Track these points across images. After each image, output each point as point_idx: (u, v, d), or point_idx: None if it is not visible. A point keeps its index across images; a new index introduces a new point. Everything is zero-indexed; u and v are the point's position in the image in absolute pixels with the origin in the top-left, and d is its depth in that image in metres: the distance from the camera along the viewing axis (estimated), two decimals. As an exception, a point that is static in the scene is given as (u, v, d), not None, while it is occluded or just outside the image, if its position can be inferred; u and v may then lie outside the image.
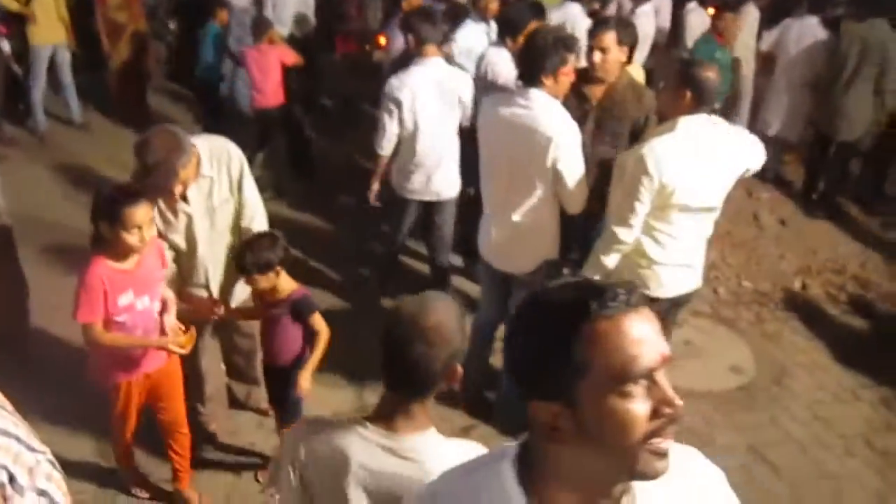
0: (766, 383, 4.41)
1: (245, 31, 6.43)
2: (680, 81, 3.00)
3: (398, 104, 4.11)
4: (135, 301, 2.79)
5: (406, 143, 4.23)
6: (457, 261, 5.12)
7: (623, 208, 3.07)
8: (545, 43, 3.22)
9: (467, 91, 4.24)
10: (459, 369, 1.65)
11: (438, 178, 4.33)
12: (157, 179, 2.81)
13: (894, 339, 4.95)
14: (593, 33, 3.73)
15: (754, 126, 7.08)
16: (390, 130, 4.17)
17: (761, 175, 7.06)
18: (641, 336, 0.97)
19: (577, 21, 5.51)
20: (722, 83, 6.18)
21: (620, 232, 3.09)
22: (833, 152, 6.58)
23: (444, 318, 1.60)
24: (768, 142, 7.03)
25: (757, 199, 6.73)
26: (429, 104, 4.14)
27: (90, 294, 2.69)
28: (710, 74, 2.98)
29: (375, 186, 4.44)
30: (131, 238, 2.66)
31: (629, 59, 4.51)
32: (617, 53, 3.67)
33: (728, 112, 6.80)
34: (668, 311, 3.36)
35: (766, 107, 6.87)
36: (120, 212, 2.62)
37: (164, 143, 2.79)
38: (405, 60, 5.85)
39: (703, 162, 2.99)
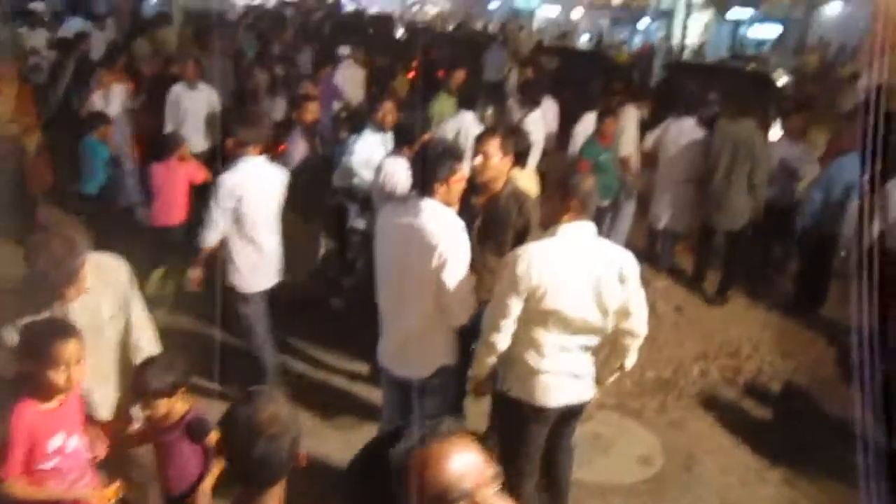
0: (675, 472, 4.48)
1: (126, 142, 6.36)
2: (559, 190, 3.09)
3: (225, 199, 4.28)
4: (66, 443, 2.58)
5: (232, 238, 4.41)
6: (362, 368, 5.09)
7: (495, 312, 3.08)
8: (435, 153, 3.34)
9: (283, 184, 4.54)
10: (303, 454, 1.76)
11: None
12: (47, 284, 2.67)
13: (791, 418, 5.15)
14: (479, 140, 3.89)
15: (645, 220, 7.50)
16: (215, 224, 4.32)
17: (656, 265, 7.45)
18: (457, 463, 1.06)
19: (471, 129, 5.75)
20: (609, 182, 6.63)
21: (492, 336, 3.10)
22: (720, 242, 7.01)
23: (277, 409, 1.71)
24: (658, 234, 7.49)
25: (654, 288, 7.00)
26: (255, 200, 4.35)
27: (14, 448, 2.45)
28: (589, 183, 3.08)
29: (196, 274, 4.53)
30: (59, 377, 2.46)
31: (522, 165, 4.74)
32: (499, 160, 3.81)
33: (616, 208, 7.17)
34: (559, 422, 3.33)
35: (654, 202, 7.26)
36: (48, 348, 2.43)
37: (59, 245, 2.66)
38: (306, 166, 5.98)
39: (577, 269, 3.00)
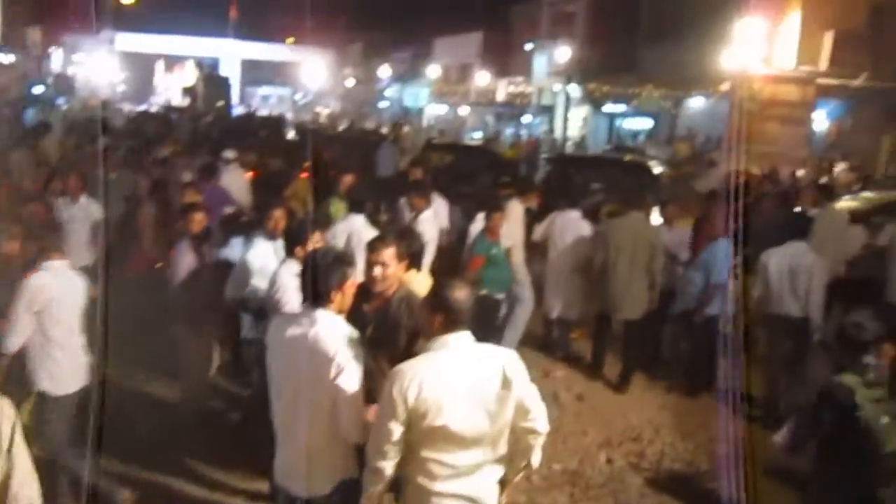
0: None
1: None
2: (431, 303, 3.03)
3: (29, 303, 4.31)
4: None
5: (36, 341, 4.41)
6: (262, 486, 4.83)
7: (377, 437, 2.95)
8: (326, 261, 3.32)
9: (84, 289, 4.59)
10: None
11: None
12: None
13: (695, 499, 5.22)
14: (372, 248, 3.88)
15: (539, 309, 7.67)
16: (20, 328, 4.32)
17: (554, 353, 7.58)
18: None
19: (362, 233, 5.78)
20: (503, 275, 6.77)
21: (377, 461, 2.95)
22: (617, 328, 7.20)
23: None
24: (554, 323, 7.65)
25: (553, 378, 7.10)
26: (59, 303, 4.41)
27: None
28: (460, 294, 2.98)
29: None
30: None
31: (416, 266, 4.77)
32: (394, 267, 3.83)
33: (512, 299, 7.29)
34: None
35: (546, 292, 7.45)
36: None
37: None
38: (196, 277, 5.81)
39: (458, 381, 2.89)
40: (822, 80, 20.73)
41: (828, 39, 21.36)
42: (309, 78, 47.82)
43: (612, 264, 6.72)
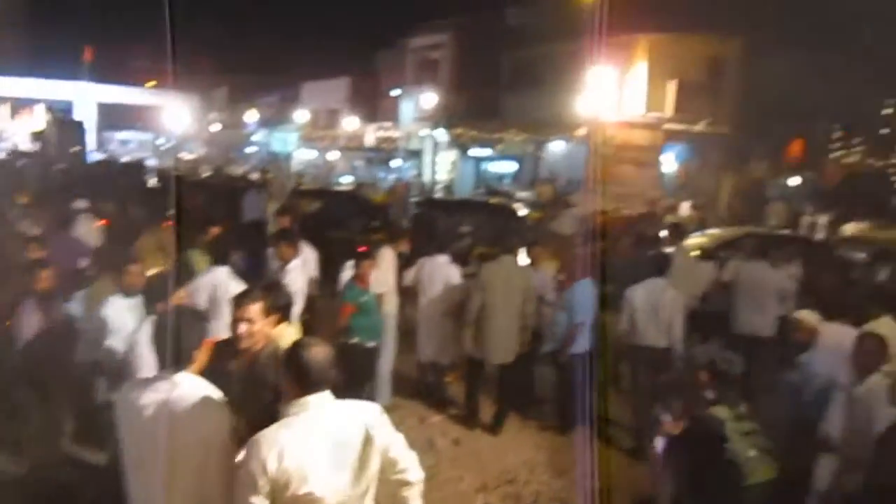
0: None
1: None
2: (285, 366, 2.93)
3: None
4: None
5: None
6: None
7: None
8: (185, 319, 3.18)
9: None
10: None
11: None
12: None
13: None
14: (237, 303, 3.75)
15: (413, 354, 7.66)
16: None
17: (428, 398, 7.56)
18: None
19: (227, 286, 5.57)
20: (374, 323, 6.72)
21: None
22: (490, 371, 7.27)
23: None
24: (427, 368, 7.65)
25: (429, 424, 7.08)
26: None
27: None
28: (317, 354, 2.90)
29: None
30: None
31: (285, 318, 4.64)
32: (261, 323, 3.71)
33: (381, 346, 7.23)
34: None
35: (418, 337, 7.46)
36: None
37: None
38: (43, 338, 5.39)
39: (319, 445, 2.81)
40: (668, 126, 22.30)
41: (672, 88, 23.09)
42: (171, 122, 46.25)
43: (484, 308, 6.81)
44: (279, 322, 4.27)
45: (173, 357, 3.12)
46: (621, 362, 7.60)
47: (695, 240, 11.62)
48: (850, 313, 5.65)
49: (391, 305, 7.25)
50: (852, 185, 22.94)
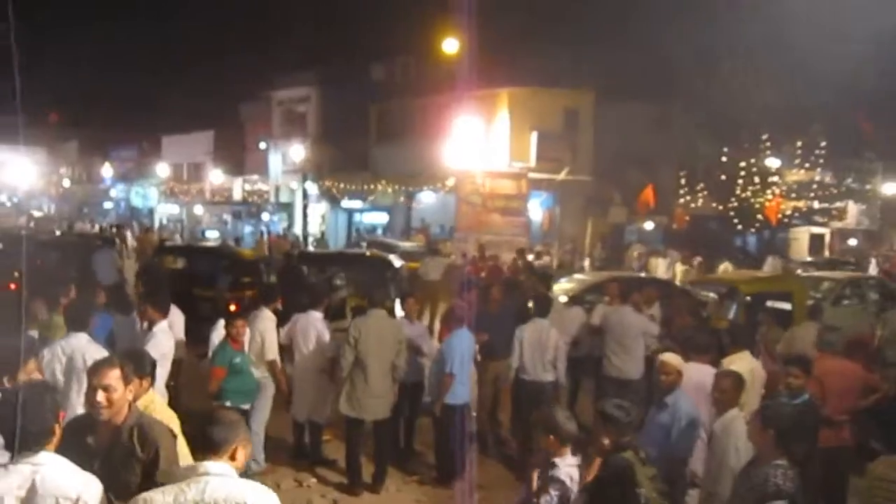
0: None
1: None
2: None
3: None
4: None
5: None
6: None
7: None
8: (35, 395, 2.95)
9: None
10: None
11: None
12: None
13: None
14: (95, 371, 3.51)
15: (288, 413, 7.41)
16: None
17: (306, 459, 7.31)
18: None
19: (87, 352, 5.19)
20: (248, 385, 6.47)
21: None
22: (367, 428, 7.11)
23: None
24: (304, 428, 7.42)
25: (307, 486, 6.84)
26: None
27: None
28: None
29: None
30: None
31: (150, 383, 4.38)
32: (123, 392, 3.48)
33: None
34: None
35: (294, 396, 7.24)
36: None
37: None
38: None
39: None
40: (532, 175, 23.24)
41: (533, 138, 24.16)
42: (16, 178, 43.29)
43: (357, 364, 6.70)
44: (142, 389, 4.05)
45: (25, 437, 2.87)
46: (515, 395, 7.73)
47: (562, 285, 12.04)
48: (709, 352, 6.03)
49: (276, 369, 6.98)
50: (698, 227, 24.76)
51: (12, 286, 10.73)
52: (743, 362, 5.85)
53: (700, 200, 25.49)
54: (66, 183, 46.37)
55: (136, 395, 3.91)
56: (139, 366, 4.13)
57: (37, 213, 40.40)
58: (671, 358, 5.20)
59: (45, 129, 45.40)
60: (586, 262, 20.87)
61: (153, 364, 4.61)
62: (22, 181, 43.46)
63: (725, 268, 17.78)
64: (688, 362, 5.49)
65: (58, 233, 23.74)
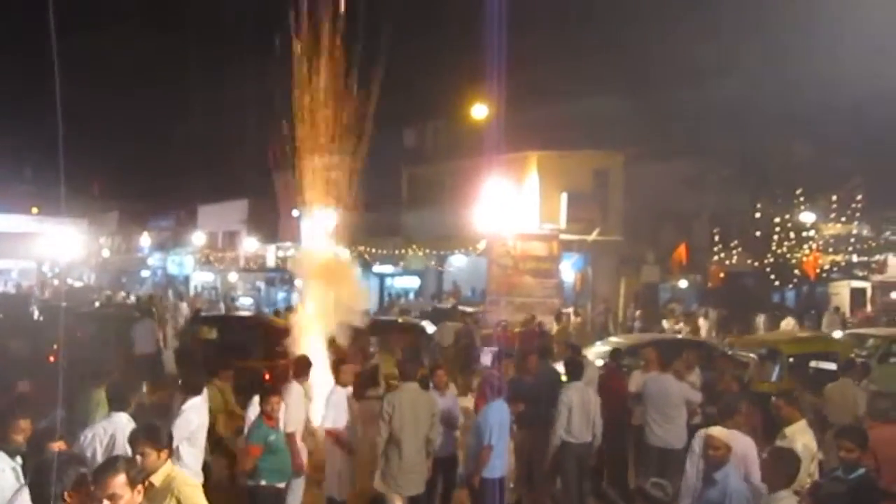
0: None
1: None
2: None
3: None
4: None
5: None
6: None
7: None
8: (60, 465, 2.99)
9: None
10: None
11: None
12: None
13: None
14: (96, 482, 3.45)
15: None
16: None
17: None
18: None
19: (128, 430, 5.14)
20: (283, 463, 6.39)
21: None
22: None
23: None
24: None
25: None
26: None
27: None
28: None
29: None
30: None
31: (168, 455, 4.34)
32: (130, 496, 3.47)
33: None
34: None
35: (326, 471, 7.13)
36: None
37: None
38: None
39: None
40: (563, 236, 23.19)
41: (563, 200, 24.20)
42: (58, 249, 44.34)
43: (393, 440, 6.60)
44: (160, 461, 4.07)
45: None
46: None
47: (597, 348, 11.87)
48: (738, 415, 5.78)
49: (294, 443, 6.90)
50: (734, 284, 24.38)
51: (51, 358, 10.90)
52: (800, 435, 5.59)
53: (735, 257, 25.14)
54: (106, 253, 47.33)
55: (153, 468, 3.96)
56: (156, 439, 4.18)
57: (77, 284, 41.21)
58: (719, 432, 5.01)
59: (87, 200, 46.72)
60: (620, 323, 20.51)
61: (170, 436, 4.62)
62: (65, 252, 44.50)
63: (787, 322, 17.33)
64: (737, 432, 5.32)
65: (97, 304, 24.16)
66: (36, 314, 19.46)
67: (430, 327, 14.18)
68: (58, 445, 4.56)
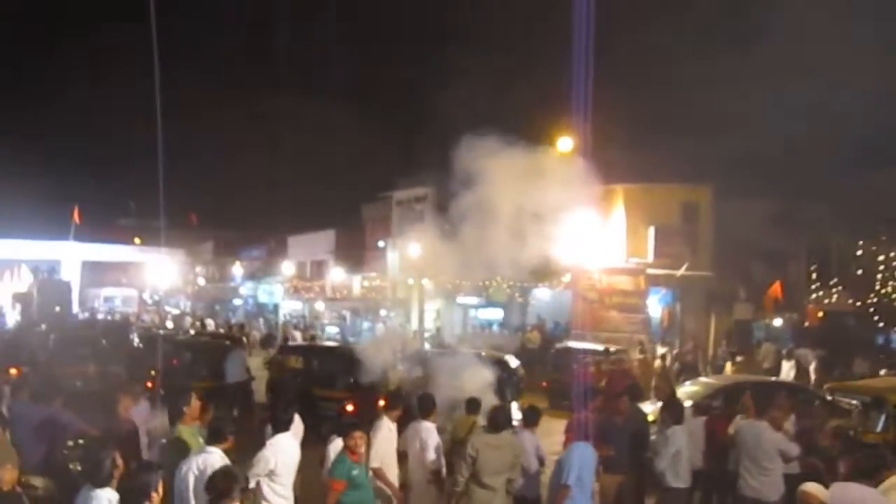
0: None
1: None
2: None
3: None
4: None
5: None
6: None
7: None
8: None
9: None
10: None
11: None
12: None
13: None
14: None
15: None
16: None
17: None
18: None
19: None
20: (366, 497, 6.41)
21: None
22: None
23: None
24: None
25: None
26: None
27: None
28: None
29: None
30: None
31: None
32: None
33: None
34: None
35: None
36: None
37: None
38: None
39: None
40: (650, 270, 22.69)
41: (650, 234, 23.71)
42: (157, 277, 46.51)
43: (475, 480, 6.56)
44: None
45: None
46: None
47: (687, 389, 11.48)
48: (858, 475, 5.44)
49: (382, 476, 6.94)
50: (833, 324, 23.18)
51: (149, 384, 11.36)
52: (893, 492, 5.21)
53: (835, 296, 23.96)
54: (201, 281, 49.27)
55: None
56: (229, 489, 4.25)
57: (174, 311, 42.97)
58: (814, 489, 4.75)
59: (185, 231, 48.95)
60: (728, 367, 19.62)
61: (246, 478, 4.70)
62: (162, 280, 46.64)
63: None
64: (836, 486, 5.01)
65: (192, 332, 25.10)
66: (136, 341, 20.35)
67: (513, 361, 14.03)
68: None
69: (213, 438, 5.72)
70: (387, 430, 7.07)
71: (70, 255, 43.97)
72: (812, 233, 23.29)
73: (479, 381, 8.82)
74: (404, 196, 32.37)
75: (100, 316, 35.97)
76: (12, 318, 28.48)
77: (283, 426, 6.41)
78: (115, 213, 55.89)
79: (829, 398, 10.86)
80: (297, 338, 23.03)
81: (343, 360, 14.94)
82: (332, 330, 31.51)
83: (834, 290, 23.84)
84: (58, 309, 27.28)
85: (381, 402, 7.84)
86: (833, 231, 22.89)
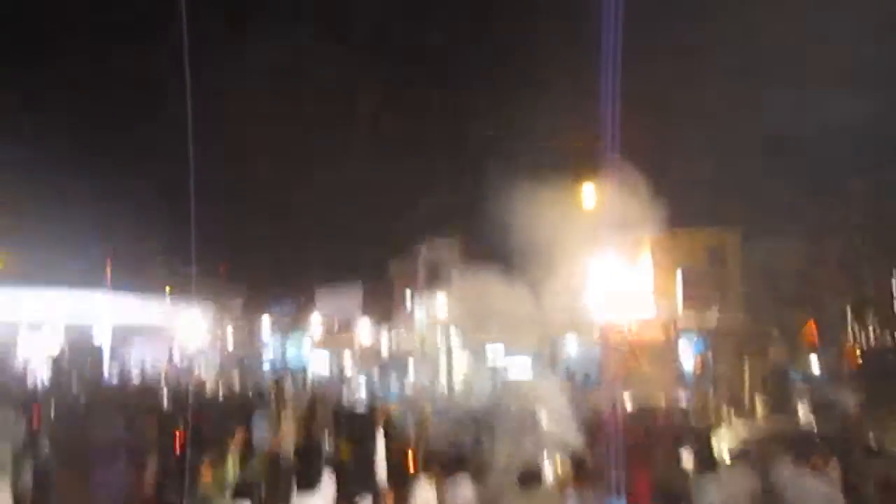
0: None
1: None
2: None
3: None
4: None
5: None
6: None
7: None
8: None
9: None
10: None
11: None
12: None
13: None
14: None
15: None
16: None
17: None
18: None
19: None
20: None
21: None
22: None
23: None
24: None
25: None
26: None
27: None
28: None
29: None
30: None
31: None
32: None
33: None
34: None
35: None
36: None
37: None
38: None
39: None
40: (679, 317, 22.40)
41: (678, 278, 23.47)
42: (187, 333, 46.75)
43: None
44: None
45: None
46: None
47: (727, 433, 11.19)
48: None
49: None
50: (874, 364, 22.52)
51: (177, 448, 11.30)
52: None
53: (873, 335, 23.41)
54: (230, 338, 49.42)
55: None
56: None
57: (203, 369, 43.04)
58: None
59: (214, 281, 49.02)
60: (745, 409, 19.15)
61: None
62: (192, 337, 46.86)
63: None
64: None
65: (220, 391, 25.07)
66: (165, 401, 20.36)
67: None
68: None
69: (242, 494, 5.70)
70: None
71: (102, 316, 44.23)
72: (846, 270, 22.92)
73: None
74: (431, 251, 32.54)
75: (131, 374, 36.03)
76: (40, 380, 28.62)
77: (307, 486, 6.38)
78: (145, 261, 55.74)
79: (874, 448, 10.46)
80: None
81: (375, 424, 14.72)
82: (360, 381, 31.32)
83: (873, 329, 23.31)
84: (89, 371, 27.48)
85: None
86: (868, 268, 22.50)
